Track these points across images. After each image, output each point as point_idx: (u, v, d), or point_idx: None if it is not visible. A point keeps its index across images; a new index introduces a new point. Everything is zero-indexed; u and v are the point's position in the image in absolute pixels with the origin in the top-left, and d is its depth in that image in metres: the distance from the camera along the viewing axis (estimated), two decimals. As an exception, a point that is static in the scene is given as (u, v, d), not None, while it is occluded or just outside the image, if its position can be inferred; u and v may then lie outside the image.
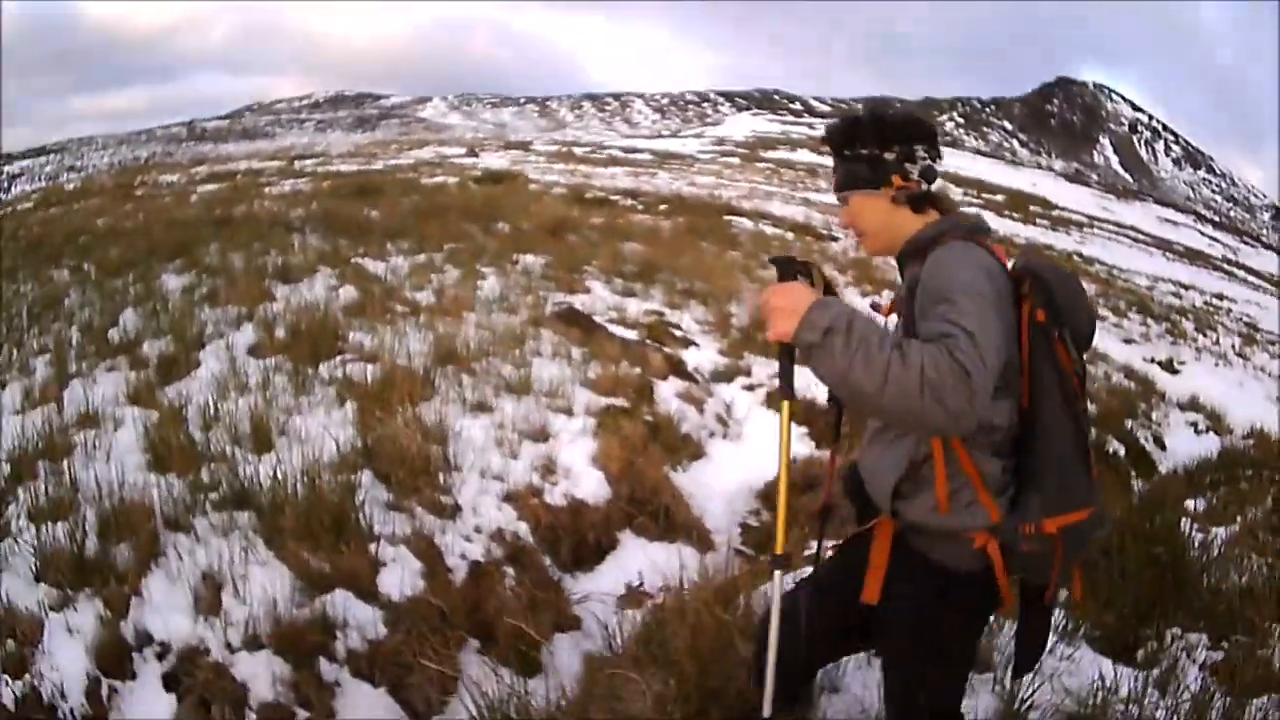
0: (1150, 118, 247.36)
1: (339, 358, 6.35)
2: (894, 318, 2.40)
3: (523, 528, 4.79)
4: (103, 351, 6.52)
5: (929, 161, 2.36)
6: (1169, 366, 13.40)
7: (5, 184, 66.00)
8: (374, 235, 10.60)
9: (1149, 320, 16.85)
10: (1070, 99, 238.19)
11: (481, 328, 7.39)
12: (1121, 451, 8.40)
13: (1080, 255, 27.04)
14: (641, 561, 4.85)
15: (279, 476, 4.43)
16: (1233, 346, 16.97)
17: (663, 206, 17.38)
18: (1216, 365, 14.68)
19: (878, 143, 2.34)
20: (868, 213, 2.37)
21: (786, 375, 2.27)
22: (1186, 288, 26.08)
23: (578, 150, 38.36)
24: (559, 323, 7.84)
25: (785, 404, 2.39)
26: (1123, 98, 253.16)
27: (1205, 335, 17.20)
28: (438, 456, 5.03)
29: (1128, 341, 14.13)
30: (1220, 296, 26.04)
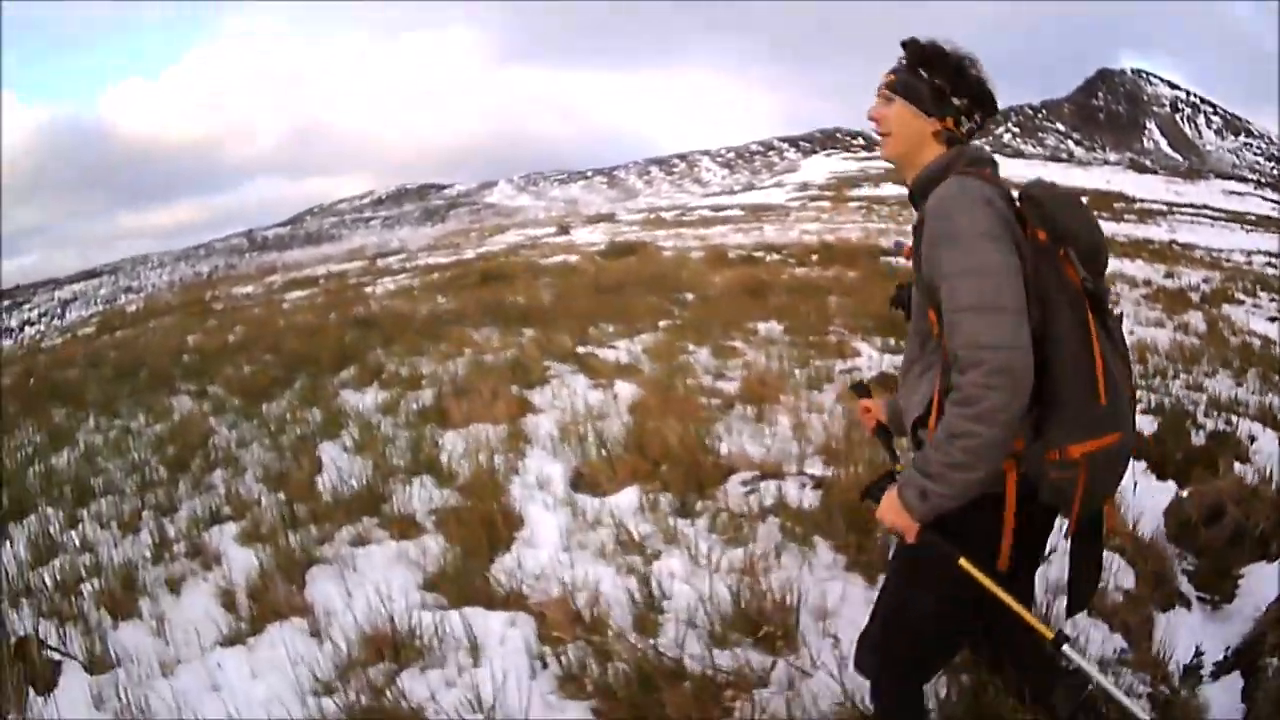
0: (1188, 93, 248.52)
1: (735, 478, 5.09)
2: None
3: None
4: (329, 514, 5.02)
5: (977, 127, 2.42)
6: (1329, 341, 12.92)
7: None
8: (561, 321, 9.92)
9: (1274, 295, 16.35)
10: (1113, 89, 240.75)
11: (818, 410, 6.38)
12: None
13: (1177, 244, 26.27)
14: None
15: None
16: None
17: (814, 257, 16.61)
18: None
19: (952, 83, 2.36)
20: (907, 125, 2.40)
21: (940, 545, 2.26)
22: (1278, 256, 25.43)
23: (666, 215, 37.98)
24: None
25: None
26: (1160, 79, 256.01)
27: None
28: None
29: (1273, 320, 13.55)
30: None
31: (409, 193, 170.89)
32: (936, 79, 2.35)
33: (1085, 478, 2.13)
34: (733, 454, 5.36)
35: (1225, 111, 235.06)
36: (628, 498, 4.84)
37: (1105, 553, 3.75)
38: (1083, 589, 2.49)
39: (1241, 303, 14.83)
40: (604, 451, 5.39)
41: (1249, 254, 24.92)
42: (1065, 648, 2.31)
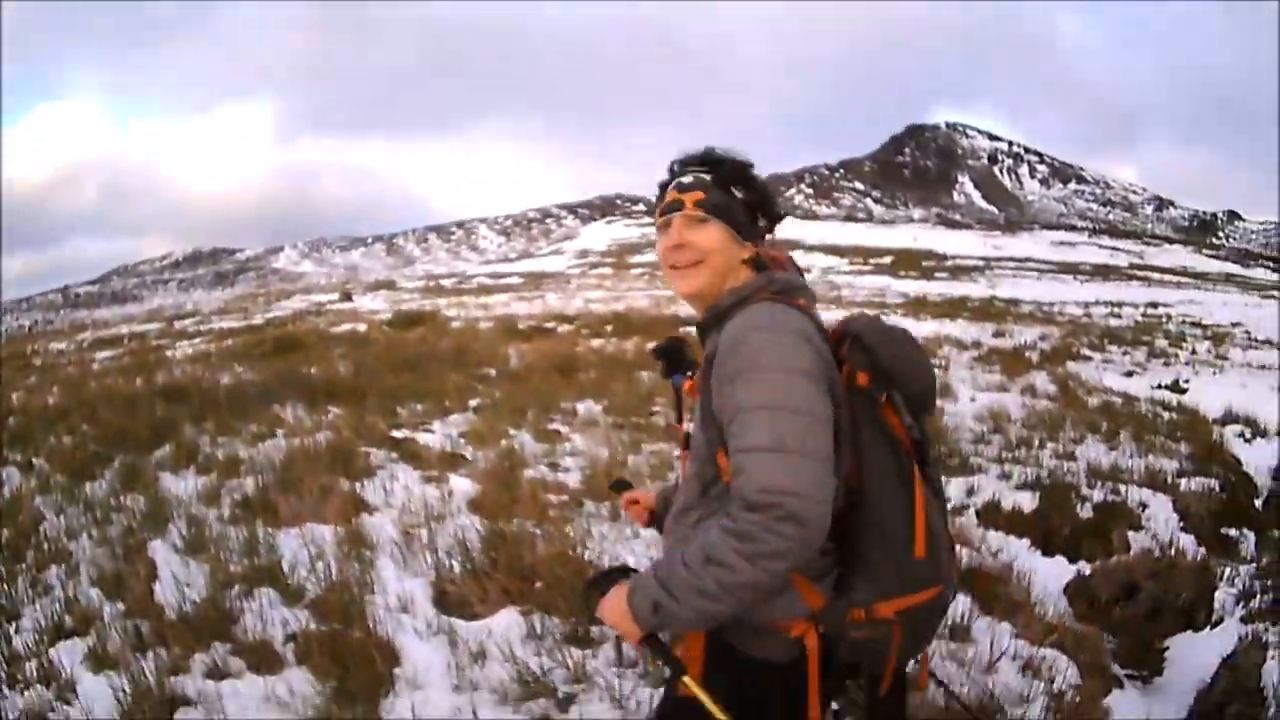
0: (1010, 144, 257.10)
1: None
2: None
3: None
4: (177, 636, 4.31)
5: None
6: (1176, 387, 13.35)
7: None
8: (368, 399, 9.51)
9: (1126, 348, 16.81)
10: (923, 145, 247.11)
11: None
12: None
13: (999, 299, 27.01)
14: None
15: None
16: (1208, 350, 17.24)
17: (608, 328, 16.68)
18: (1214, 374, 14.58)
19: (759, 202, 2.17)
20: (725, 251, 2.13)
21: (664, 653, 2.05)
22: (1119, 305, 26.18)
23: (445, 283, 38.20)
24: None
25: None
26: (979, 131, 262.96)
27: (1180, 348, 17.33)
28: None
29: (1129, 374, 13.93)
30: (1154, 305, 26.45)
31: (203, 256, 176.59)
32: (750, 198, 2.16)
33: (900, 635, 1.98)
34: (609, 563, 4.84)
35: (1054, 160, 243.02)
36: (506, 621, 4.32)
37: (1044, 650, 4.09)
38: None
39: (1089, 359, 14.90)
40: (468, 565, 4.86)
41: (1086, 305, 25.40)
42: None
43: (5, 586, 5.11)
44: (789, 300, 2.06)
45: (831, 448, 1.88)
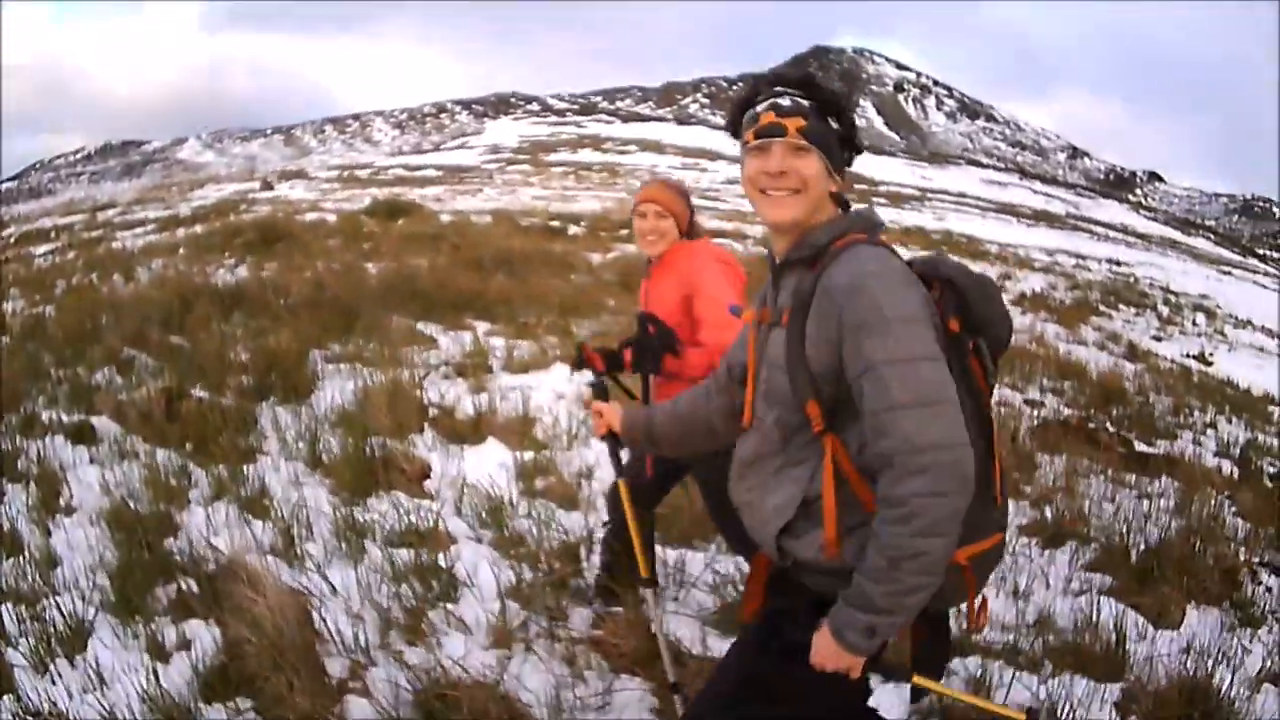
0: (918, 75, 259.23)
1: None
2: (774, 332, 2.11)
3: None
4: None
5: None
6: (1204, 359, 13.34)
7: None
8: (511, 308, 8.92)
9: (1135, 309, 16.55)
10: (825, 67, 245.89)
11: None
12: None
13: (956, 235, 25.98)
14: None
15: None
16: (1205, 324, 17.05)
17: (623, 231, 15.68)
18: (1229, 350, 14.61)
19: (850, 137, 2.11)
20: (820, 181, 2.06)
21: (894, 671, 2.04)
22: (1083, 258, 25.10)
23: (360, 174, 36.60)
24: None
25: None
26: (886, 58, 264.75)
27: (1179, 318, 17.10)
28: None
29: (1156, 340, 13.71)
30: (1116, 262, 25.41)
31: (113, 149, 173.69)
32: (843, 132, 2.09)
33: (973, 578, 2.02)
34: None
35: (964, 96, 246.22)
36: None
37: None
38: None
39: (1108, 316, 14.64)
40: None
41: (1051, 253, 24.38)
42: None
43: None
44: (883, 242, 2.04)
45: (954, 392, 1.87)
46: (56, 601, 3.82)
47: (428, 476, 5.29)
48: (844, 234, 2.02)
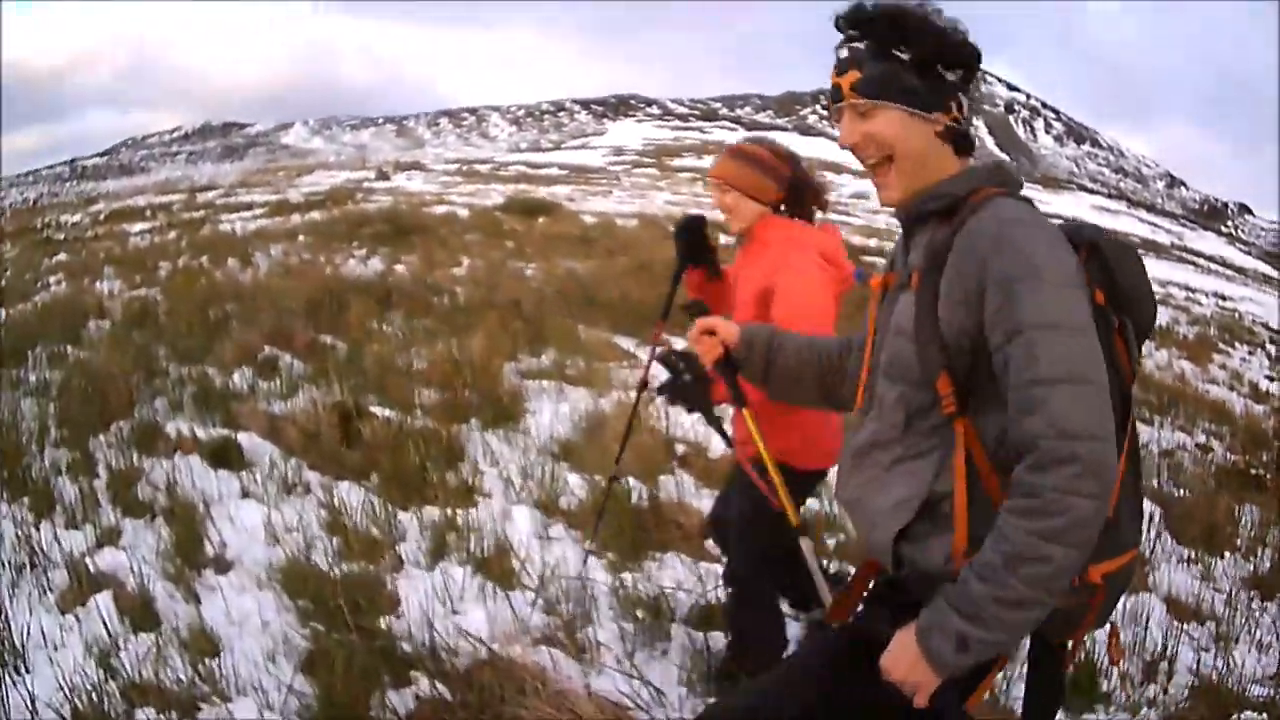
0: (1028, 96, 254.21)
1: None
2: (904, 299, 1.78)
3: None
4: None
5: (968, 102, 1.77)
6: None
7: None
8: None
9: (1248, 347, 15.87)
10: None
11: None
12: None
13: None
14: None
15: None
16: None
17: None
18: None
19: (938, 54, 1.71)
20: (909, 136, 1.72)
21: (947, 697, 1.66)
22: (1192, 291, 23.83)
23: (481, 168, 36.74)
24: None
25: None
26: (997, 79, 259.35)
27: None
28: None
29: (1270, 380, 13.04)
30: (1222, 297, 23.93)
31: (213, 130, 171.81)
32: (920, 54, 1.71)
33: (1101, 601, 1.68)
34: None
35: (1070, 120, 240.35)
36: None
37: None
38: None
39: (1227, 353, 13.98)
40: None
41: (1164, 285, 22.80)
42: None
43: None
44: (1022, 199, 1.73)
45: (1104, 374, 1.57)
46: (229, 711, 2.75)
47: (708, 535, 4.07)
48: (982, 186, 1.72)
